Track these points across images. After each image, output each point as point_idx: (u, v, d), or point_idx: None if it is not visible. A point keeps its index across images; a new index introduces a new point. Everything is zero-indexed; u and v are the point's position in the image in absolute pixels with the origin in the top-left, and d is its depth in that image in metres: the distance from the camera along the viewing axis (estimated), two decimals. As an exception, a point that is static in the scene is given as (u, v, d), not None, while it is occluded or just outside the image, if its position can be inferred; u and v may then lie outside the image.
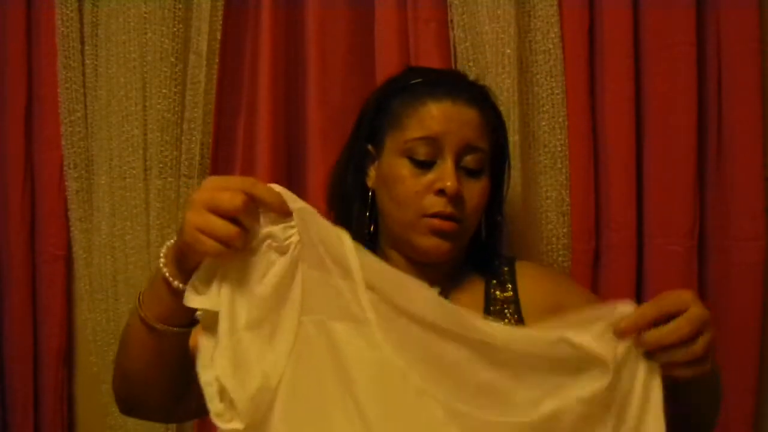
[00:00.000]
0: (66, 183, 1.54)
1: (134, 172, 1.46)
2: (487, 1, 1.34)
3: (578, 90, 1.35)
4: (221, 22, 1.44)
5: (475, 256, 1.10)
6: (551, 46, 1.35)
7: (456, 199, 0.99)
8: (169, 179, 1.46)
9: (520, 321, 1.03)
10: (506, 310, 1.04)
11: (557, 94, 1.35)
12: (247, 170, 1.48)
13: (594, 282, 1.38)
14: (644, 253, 1.36)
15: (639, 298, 1.37)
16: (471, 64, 1.36)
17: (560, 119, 1.36)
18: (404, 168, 1.01)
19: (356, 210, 1.08)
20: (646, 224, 1.36)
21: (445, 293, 1.05)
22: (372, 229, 1.07)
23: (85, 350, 1.59)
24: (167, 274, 0.82)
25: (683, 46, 1.31)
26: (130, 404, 0.95)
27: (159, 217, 1.46)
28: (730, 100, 1.32)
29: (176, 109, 1.45)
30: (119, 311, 1.49)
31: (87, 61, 1.51)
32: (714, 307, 1.35)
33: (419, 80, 1.06)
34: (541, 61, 1.36)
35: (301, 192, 1.52)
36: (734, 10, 1.30)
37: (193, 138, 1.45)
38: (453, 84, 1.06)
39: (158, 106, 1.44)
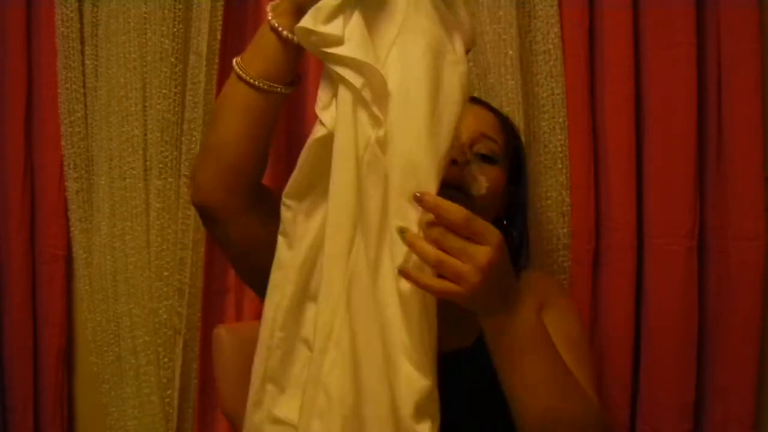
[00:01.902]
0: (66, 183, 1.54)
1: (134, 172, 1.46)
2: (487, 2, 1.34)
3: (578, 90, 1.36)
4: (221, 22, 1.44)
5: None
6: (551, 46, 1.35)
7: (467, 178, 0.98)
8: (169, 179, 1.46)
9: None
10: None
11: (557, 94, 1.35)
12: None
13: (594, 282, 1.38)
14: (644, 253, 1.36)
15: (639, 298, 1.37)
16: (472, 64, 1.36)
17: (560, 119, 1.36)
18: None
19: None
20: (646, 224, 1.36)
21: None
22: None
23: (85, 350, 1.59)
24: (276, 24, 0.81)
25: (683, 46, 1.31)
26: (216, 194, 0.89)
27: (159, 217, 1.46)
28: (730, 100, 1.32)
29: (176, 109, 1.45)
30: (119, 311, 1.49)
31: (87, 61, 1.51)
32: (714, 307, 1.35)
33: None
34: (541, 62, 1.36)
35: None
36: (734, 10, 1.30)
37: (193, 138, 1.45)
38: None
39: (158, 106, 1.44)
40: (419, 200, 0.74)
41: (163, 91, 1.44)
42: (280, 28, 0.82)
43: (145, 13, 1.43)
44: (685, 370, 1.34)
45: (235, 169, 0.88)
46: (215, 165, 0.88)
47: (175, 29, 1.43)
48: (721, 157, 1.34)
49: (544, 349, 0.84)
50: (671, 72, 1.32)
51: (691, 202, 1.33)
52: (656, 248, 1.35)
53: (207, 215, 0.92)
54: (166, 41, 1.43)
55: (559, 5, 1.35)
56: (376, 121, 0.77)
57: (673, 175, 1.33)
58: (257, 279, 0.94)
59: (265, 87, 0.83)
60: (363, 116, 0.78)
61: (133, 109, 1.45)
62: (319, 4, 0.78)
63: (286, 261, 0.85)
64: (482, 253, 0.74)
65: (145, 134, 1.46)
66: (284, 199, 0.86)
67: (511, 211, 1.12)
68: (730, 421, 1.33)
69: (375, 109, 0.77)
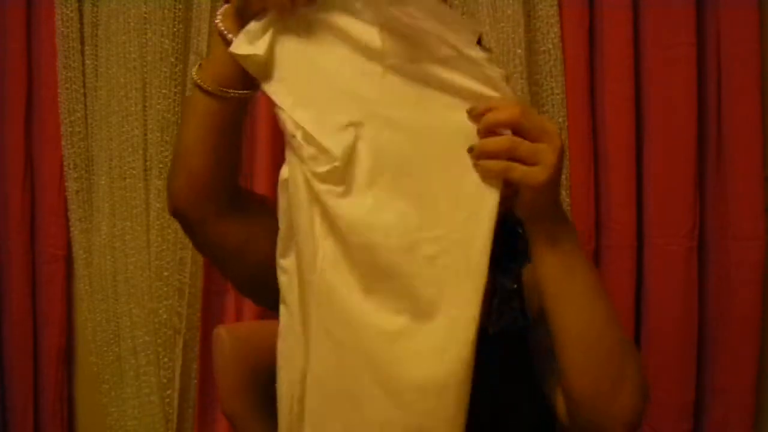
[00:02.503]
0: (66, 183, 1.54)
1: (134, 172, 1.46)
2: (488, 2, 1.34)
3: (578, 90, 1.35)
4: (221, 22, 1.44)
5: None
6: (551, 46, 1.35)
7: None
8: (169, 179, 1.46)
9: (523, 312, 0.99)
10: (511, 303, 1.03)
11: (557, 94, 1.35)
12: (247, 170, 1.48)
13: (594, 282, 1.38)
14: (644, 253, 1.36)
15: (639, 298, 1.37)
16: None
17: (560, 119, 1.36)
18: None
19: None
20: (646, 224, 1.36)
21: None
22: None
23: (85, 350, 1.59)
24: (222, 28, 0.81)
25: (683, 46, 1.31)
26: (189, 201, 0.88)
27: (159, 217, 1.46)
28: (730, 100, 1.32)
29: (176, 109, 1.45)
30: (119, 311, 1.49)
31: (87, 61, 1.51)
32: (714, 307, 1.35)
33: None
34: (541, 61, 1.36)
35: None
36: (734, 10, 1.30)
37: (193, 138, 1.45)
38: None
39: (158, 106, 1.44)
40: (469, 112, 0.73)
41: (163, 91, 1.44)
42: (225, 32, 0.82)
43: (145, 13, 1.44)
44: (685, 370, 1.34)
45: (204, 176, 0.87)
46: (184, 172, 0.88)
47: (175, 29, 1.44)
48: (721, 157, 1.34)
49: (594, 273, 0.82)
50: (671, 72, 1.32)
51: (691, 202, 1.33)
52: (656, 248, 1.35)
53: (184, 223, 0.92)
54: (166, 41, 1.43)
55: (559, 5, 1.35)
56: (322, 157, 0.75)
57: (673, 175, 1.33)
58: (245, 282, 0.94)
59: (219, 93, 0.84)
60: (307, 153, 0.76)
61: (133, 109, 1.45)
62: (247, 26, 0.78)
63: (289, 330, 0.80)
64: (551, 133, 0.73)
65: (145, 134, 1.46)
66: (278, 261, 0.82)
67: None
68: (730, 421, 1.33)
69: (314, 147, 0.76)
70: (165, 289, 1.47)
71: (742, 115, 1.31)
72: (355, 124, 0.75)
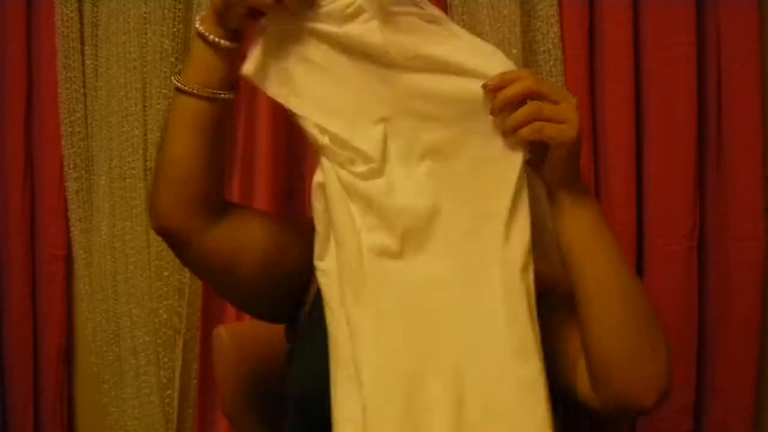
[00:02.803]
0: (66, 183, 1.54)
1: (134, 172, 1.46)
2: (488, 2, 1.34)
3: (578, 90, 1.35)
4: (221, 22, 1.44)
5: None
6: (551, 46, 1.35)
7: None
8: (169, 179, 1.46)
9: None
10: None
11: (557, 94, 1.35)
12: (247, 170, 1.48)
13: (594, 282, 1.38)
14: (644, 253, 1.36)
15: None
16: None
17: (560, 119, 1.35)
18: None
19: None
20: (646, 224, 1.36)
21: None
22: None
23: (85, 350, 1.59)
24: (202, 29, 0.82)
25: (683, 46, 1.31)
26: (177, 215, 0.86)
27: (159, 217, 1.46)
28: (730, 100, 1.32)
29: (176, 109, 1.45)
30: (119, 311, 1.49)
31: (87, 61, 1.51)
32: (714, 307, 1.35)
33: None
34: (541, 61, 1.36)
35: (301, 192, 1.53)
36: (734, 10, 1.30)
37: (193, 138, 1.45)
38: None
39: (158, 106, 1.44)
40: (485, 87, 0.75)
41: (163, 91, 1.44)
42: (206, 33, 0.82)
43: (145, 13, 1.44)
44: (685, 370, 1.34)
45: (193, 185, 0.86)
46: (170, 185, 0.87)
47: (175, 29, 1.44)
48: (721, 157, 1.34)
49: (614, 239, 0.83)
50: (671, 72, 1.32)
51: (691, 202, 1.33)
52: (656, 248, 1.35)
53: (172, 241, 0.90)
54: (166, 41, 1.43)
55: (559, 5, 1.35)
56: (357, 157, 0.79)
57: (673, 175, 1.33)
58: (239, 296, 0.93)
59: (209, 95, 0.84)
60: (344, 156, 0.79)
61: (133, 109, 1.45)
62: (253, 49, 0.80)
63: (338, 328, 0.79)
64: (565, 93, 0.76)
65: (145, 134, 1.46)
66: (317, 264, 0.83)
67: None
68: (730, 422, 1.33)
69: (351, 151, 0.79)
70: (165, 289, 1.47)
71: (742, 115, 1.31)
72: (382, 120, 0.79)
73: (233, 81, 0.84)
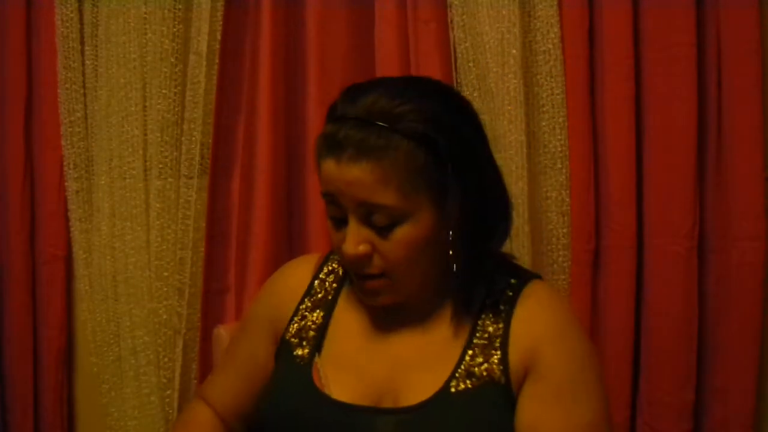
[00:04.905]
0: (66, 183, 1.54)
1: (134, 172, 1.46)
2: (487, 2, 1.34)
3: (578, 90, 1.35)
4: (221, 23, 1.44)
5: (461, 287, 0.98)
6: (551, 46, 1.35)
7: (362, 259, 0.91)
8: (169, 179, 1.46)
9: (504, 362, 0.92)
10: (492, 348, 0.94)
11: (557, 94, 1.35)
12: (247, 170, 1.48)
13: (594, 282, 1.38)
14: (644, 253, 1.36)
15: (639, 299, 1.37)
16: (471, 64, 1.36)
17: (560, 119, 1.36)
18: (329, 221, 0.95)
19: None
20: (646, 224, 1.36)
21: (427, 314, 0.98)
22: None
23: (85, 350, 1.59)
24: None
25: (683, 46, 1.31)
26: None
27: (159, 217, 1.46)
28: (730, 100, 1.32)
29: (176, 109, 1.45)
30: (119, 311, 1.49)
31: (87, 61, 1.51)
32: (714, 308, 1.35)
33: (327, 120, 0.94)
34: (541, 62, 1.36)
35: (300, 192, 1.54)
36: (734, 10, 1.30)
37: (193, 138, 1.45)
38: (339, 136, 0.89)
39: (158, 106, 1.44)
40: None
41: (163, 91, 1.44)
42: None
43: (145, 13, 1.43)
44: (685, 370, 1.34)
45: None
46: None
47: (175, 29, 1.43)
48: (721, 157, 1.34)
49: None
50: (671, 72, 1.32)
51: (691, 202, 1.33)
52: (656, 248, 1.35)
53: None
54: (166, 41, 1.43)
55: (559, 5, 1.34)
56: None
57: (673, 176, 1.33)
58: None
59: None
60: None
61: (133, 109, 1.45)
62: None
63: None
64: None
65: (145, 134, 1.45)
66: None
67: (458, 231, 0.93)
68: (730, 422, 1.33)
69: None
70: (165, 289, 1.47)
71: (742, 115, 1.31)
72: None
73: None
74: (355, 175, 0.87)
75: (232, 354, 1.11)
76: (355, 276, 0.95)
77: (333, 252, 1.09)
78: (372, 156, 0.87)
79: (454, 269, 0.93)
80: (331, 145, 0.89)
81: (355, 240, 0.90)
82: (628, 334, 1.36)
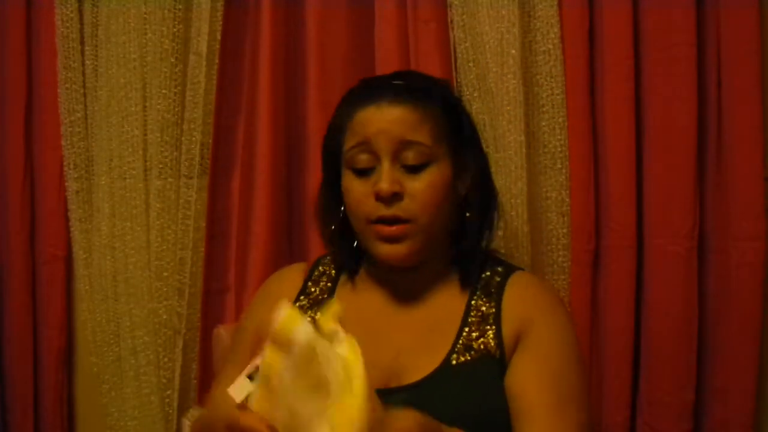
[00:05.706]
0: (66, 183, 1.54)
1: (134, 172, 1.46)
2: (487, 2, 1.34)
3: (578, 90, 1.35)
4: (221, 23, 1.44)
5: (460, 261, 1.08)
6: (551, 46, 1.35)
7: (393, 199, 0.99)
8: (169, 179, 1.46)
9: (498, 336, 1.01)
10: (486, 324, 1.02)
11: (557, 94, 1.35)
12: (247, 170, 1.48)
13: (594, 282, 1.38)
14: (644, 253, 1.36)
15: (639, 299, 1.37)
16: (471, 64, 1.36)
17: (560, 119, 1.36)
18: (349, 179, 1.04)
19: (335, 226, 1.10)
20: (646, 224, 1.36)
21: (423, 299, 1.07)
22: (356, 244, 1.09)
23: (85, 350, 1.59)
24: None
25: (683, 46, 1.31)
26: None
27: (159, 217, 1.46)
28: (730, 100, 1.32)
29: (176, 109, 1.45)
30: (119, 311, 1.49)
31: (87, 61, 1.51)
32: (714, 308, 1.35)
33: (351, 91, 1.09)
34: (541, 62, 1.36)
35: (300, 192, 1.54)
36: (734, 10, 1.30)
37: (193, 138, 1.45)
38: (378, 87, 1.05)
39: (158, 106, 1.44)
40: None
41: (163, 91, 1.44)
42: None
43: (145, 13, 1.43)
44: (685, 370, 1.34)
45: None
46: None
47: (175, 29, 1.43)
48: (720, 157, 1.34)
49: None
50: (671, 72, 1.32)
51: (691, 202, 1.33)
52: (656, 248, 1.35)
53: None
54: (166, 41, 1.43)
55: (559, 5, 1.34)
56: None
57: (673, 175, 1.33)
58: None
59: None
60: None
61: (133, 109, 1.45)
62: None
63: None
64: None
65: (145, 134, 1.45)
66: None
67: (469, 195, 1.06)
68: (730, 422, 1.33)
69: None
70: (165, 289, 1.47)
71: (742, 115, 1.31)
72: None
73: None
74: (396, 114, 1.00)
75: (232, 363, 1.11)
76: (379, 223, 1.00)
77: (322, 257, 1.15)
78: (412, 98, 1.02)
79: (467, 216, 1.06)
80: (370, 95, 1.03)
81: (390, 177, 0.99)
82: (627, 334, 1.36)
